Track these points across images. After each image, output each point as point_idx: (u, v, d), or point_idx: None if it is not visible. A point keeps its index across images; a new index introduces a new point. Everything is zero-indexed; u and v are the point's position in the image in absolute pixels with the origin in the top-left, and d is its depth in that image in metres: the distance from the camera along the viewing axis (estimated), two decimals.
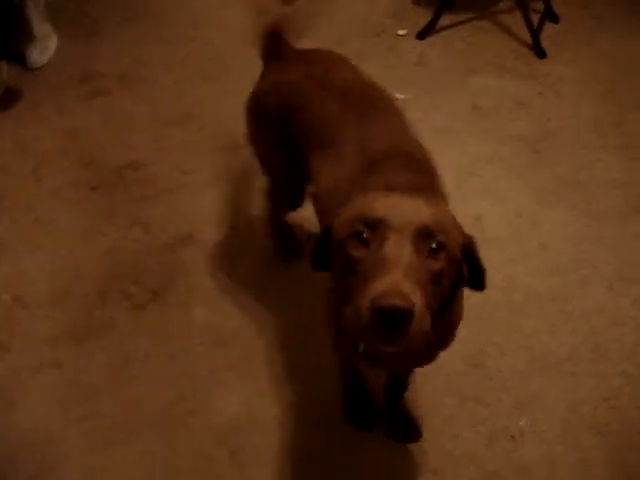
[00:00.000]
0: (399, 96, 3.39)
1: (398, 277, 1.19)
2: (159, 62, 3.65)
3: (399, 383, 2.13)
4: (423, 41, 3.75)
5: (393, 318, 1.15)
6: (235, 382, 2.36)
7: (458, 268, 1.39)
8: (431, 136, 3.15)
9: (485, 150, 3.10)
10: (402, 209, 1.30)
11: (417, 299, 1.19)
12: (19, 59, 3.63)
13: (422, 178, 1.69)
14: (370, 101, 1.95)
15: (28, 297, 2.63)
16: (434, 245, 1.28)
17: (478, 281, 1.48)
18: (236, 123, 3.27)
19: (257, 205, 2.90)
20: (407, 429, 2.19)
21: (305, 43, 3.35)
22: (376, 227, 1.28)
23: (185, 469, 2.17)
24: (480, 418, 2.25)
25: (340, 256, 1.34)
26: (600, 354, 2.41)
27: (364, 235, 1.29)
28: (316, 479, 2.14)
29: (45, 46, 3.70)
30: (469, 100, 3.38)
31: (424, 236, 1.27)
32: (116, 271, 2.70)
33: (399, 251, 1.23)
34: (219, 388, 2.35)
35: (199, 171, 3.08)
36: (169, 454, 2.20)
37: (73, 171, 3.11)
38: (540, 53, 3.62)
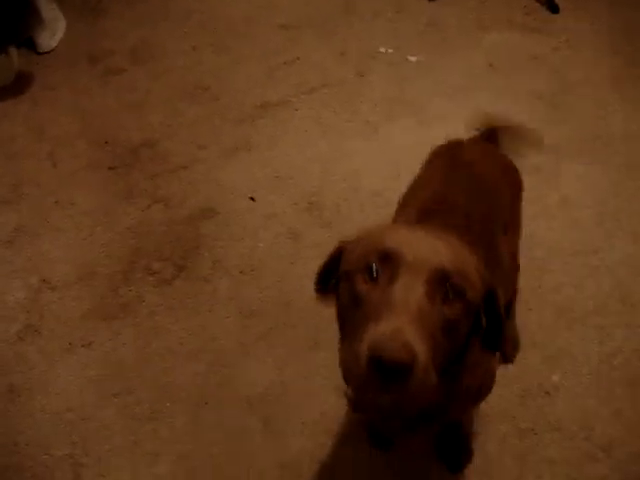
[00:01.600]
0: (411, 58, 3.37)
1: (403, 322, 1.06)
2: (169, 37, 3.63)
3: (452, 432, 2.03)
4: (433, 1, 3.70)
5: (390, 370, 1.02)
6: (265, 352, 2.37)
7: (476, 318, 1.25)
8: (447, 97, 3.17)
9: (502, 107, 3.07)
10: (421, 246, 1.18)
11: (422, 350, 1.06)
12: (29, 44, 3.62)
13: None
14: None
15: (55, 279, 2.65)
16: (450, 290, 1.15)
17: (494, 338, 1.32)
18: (250, 92, 3.29)
19: (274, 174, 2.90)
20: (460, 456, 2.10)
21: (320, 4, 3.32)
22: (388, 261, 1.16)
23: (218, 440, 2.19)
24: (510, 376, 2.25)
25: (346, 286, 1.22)
26: (628, 305, 2.40)
27: (374, 268, 1.17)
28: (349, 445, 2.15)
29: (54, 29, 3.68)
30: (483, 58, 3.34)
31: (440, 279, 1.15)
32: (139, 249, 2.71)
33: (409, 292, 1.11)
34: (249, 359, 2.36)
35: (215, 144, 3.07)
36: (202, 425, 2.22)
37: (89, 152, 3.11)
38: (553, 7, 3.57)
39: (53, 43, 3.67)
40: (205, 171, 2.96)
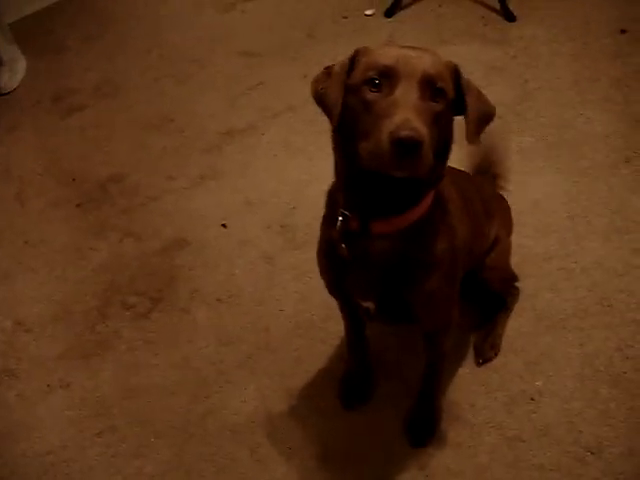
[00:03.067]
0: None
1: (409, 114, 1.36)
2: (130, 71, 3.63)
3: (432, 367, 2.11)
4: (391, 19, 3.74)
5: (408, 146, 1.32)
6: (246, 379, 2.35)
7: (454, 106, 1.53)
8: None
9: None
10: (410, 58, 1.45)
11: (425, 133, 1.36)
12: None
13: None
14: None
15: (29, 321, 2.62)
16: (435, 90, 1.44)
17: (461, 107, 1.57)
18: (215, 120, 3.29)
19: (245, 200, 2.89)
20: (425, 429, 2.17)
21: (280, 30, 3.34)
22: (387, 75, 1.43)
23: (206, 472, 2.15)
24: (494, 385, 2.25)
25: (355, 98, 1.47)
26: (607, 306, 2.40)
27: (377, 82, 1.43)
28: (339, 469, 2.12)
29: (14, 69, 3.67)
30: None
31: (427, 83, 1.43)
32: (114, 284, 2.69)
33: (408, 95, 1.40)
34: (231, 387, 2.34)
35: (184, 174, 3.06)
36: (189, 458, 2.19)
37: (57, 190, 3.09)
38: (509, 17, 3.61)
39: (14, 84, 3.65)
40: (175, 202, 2.95)
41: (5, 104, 3.57)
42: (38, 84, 3.64)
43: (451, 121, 1.54)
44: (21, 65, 3.72)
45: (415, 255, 1.66)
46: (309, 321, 2.47)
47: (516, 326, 2.38)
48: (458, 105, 1.54)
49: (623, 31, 3.47)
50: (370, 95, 1.44)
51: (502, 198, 2.40)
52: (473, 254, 2.05)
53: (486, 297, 2.38)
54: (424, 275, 1.71)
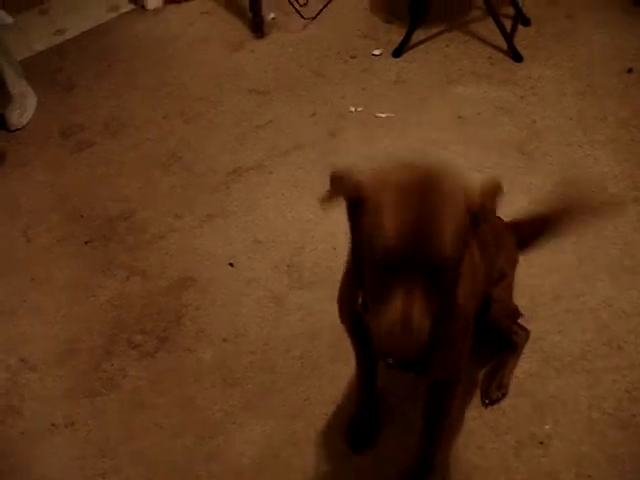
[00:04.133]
0: (381, 115, 3.40)
1: (411, 310, 1.32)
2: (139, 108, 3.65)
3: (433, 423, 2.06)
4: (399, 58, 3.76)
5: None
6: (253, 420, 2.33)
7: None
8: (418, 150, 3.19)
9: (473, 158, 3.10)
10: (423, 242, 1.31)
11: (425, 328, 1.34)
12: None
13: None
14: None
15: (34, 359, 2.60)
16: (445, 278, 1.37)
17: None
18: (223, 158, 3.30)
19: (253, 238, 2.89)
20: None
21: (288, 69, 3.38)
22: (393, 263, 1.33)
23: None
24: (503, 428, 2.23)
25: (365, 252, 1.40)
26: (615, 348, 2.39)
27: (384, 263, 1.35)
28: None
29: (24, 106, 3.69)
30: (452, 111, 3.38)
31: (439, 269, 1.34)
32: (120, 322, 2.68)
33: (412, 288, 1.33)
34: (237, 429, 2.32)
35: (191, 212, 3.06)
36: None
37: (64, 227, 3.09)
38: (516, 57, 3.63)
39: (24, 120, 3.67)
40: (182, 240, 2.95)
41: (15, 140, 3.58)
42: (48, 120, 3.66)
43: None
44: (31, 102, 3.74)
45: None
46: (316, 362, 2.45)
47: (525, 368, 2.37)
48: None
49: (630, 70, 3.49)
50: (375, 263, 1.37)
51: (508, 229, 2.35)
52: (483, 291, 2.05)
53: (493, 337, 2.36)
54: (443, 326, 1.68)
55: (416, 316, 1.32)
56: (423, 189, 1.34)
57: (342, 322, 1.90)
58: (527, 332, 2.42)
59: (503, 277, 2.25)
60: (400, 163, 1.41)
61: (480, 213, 1.41)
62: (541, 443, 2.18)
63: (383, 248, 1.32)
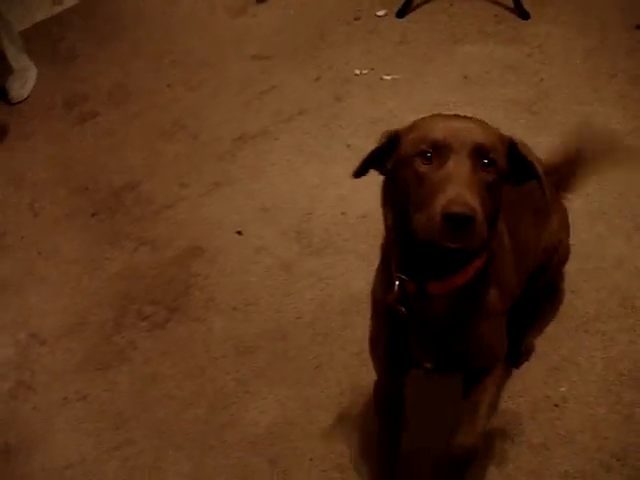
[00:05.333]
0: (387, 78, 3.35)
1: (462, 189, 1.38)
2: (142, 77, 3.61)
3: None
4: (403, 19, 3.70)
5: (460, 222, 1.35)
6: (265, 389, 2.32)
7: (506, 176, 1.55)
8: (426, 112, 3.13)
9: (482, 118, 3.04)
10: (460, 130, 1.46)
11: (478, 206, 1.38)
12: (1, 95, 3.59)
13: None
14: None
15: (44, 333, 2.60)
16: (486, 161, 1.45)
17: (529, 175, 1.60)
18: (228, 126, 3.26)
19: (260, 206, 2.87)
20: None
21: (291, 33, 3.31)
22: (439, 147, 1.44)
23: None
24: (517, 390, 2.21)
25: (408, 170, 1.48)
26: (629, 308, 2.36)
27: (429, 154, 1.45)
28: None
29: (25, 78, 3.66)
30: (458, 71, 3.32)
31: (478, 154, 1.44)
32: (129, 294, 2.67)
33: (460, 168, 1.41)
34: (249, 397, 2.32)
35: (198, 181, 3.04)
36: (209, 471, 2.17)
37: (70, 200, 3.07)
38: (523, 14, 3.56)
39: (25, 92, 3.65)
40: (189, 209, 2.93)
41: (17, 113, 3.56)
42: (50, 92, 3.63)
43: (501, 190, 1.55)
44: (32, 74, 3.71)
45: (470, 307, 1.67)
46: (327, 328, 2.44)
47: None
48: (515, 174, 1.57)
49: (638, 26, 3.42)
50: (422, 168, 1.46)
51: (558, 200, 2.29)
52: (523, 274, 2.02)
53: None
54: (478, 324, 1.71)
55: (468, 195, 1.38)
56: (454, 115, 1.55)
57: (375, 346, 1.87)
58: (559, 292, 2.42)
59: (559, 245, 2.21)
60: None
61: (516, 146, 1.55)
62: (556, 405, 2.16)
63: (431, 139, 1.45)
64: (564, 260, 2.30)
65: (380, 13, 3.76)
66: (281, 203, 2.89)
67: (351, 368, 2.32)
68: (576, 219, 2.62)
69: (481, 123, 1.53)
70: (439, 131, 1.47)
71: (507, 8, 3.63)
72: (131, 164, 3.17)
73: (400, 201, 1.53)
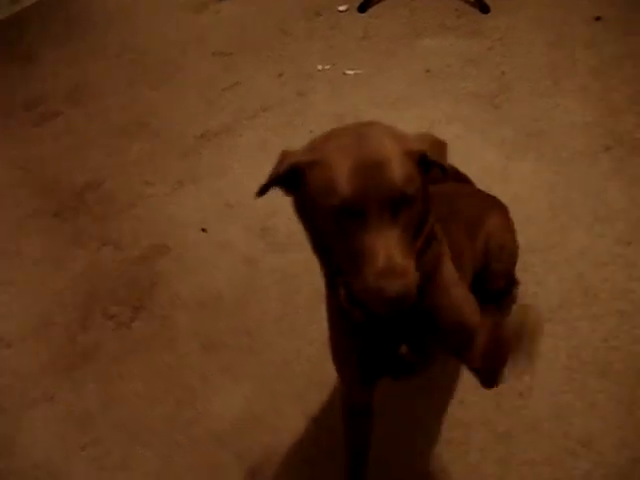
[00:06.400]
0: (349, 73, 3.36)
1: (389, 256, 1.29)
2: (103, 76, 3.59)
3: None
4: (365, 14, 3.71)
5: (395, 300, 1.28)
6: (232, 384, 2.32)
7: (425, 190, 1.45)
8: (388, 106, 3.16)
9: (443, 112, 3.07)
10: (372, 180, 1.32)
11: (411, 267, 1.31)
12: None
13: None
14: None
15: (8, 335, 2.58)
16: (406, 200, 1.33)
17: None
18: (191, 123, 3.25)
19: (224, 203, 2.86)
20: None
21: (253, 29, 3.30)
22: (351, 205, 1.31)
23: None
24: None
25: (321, 218, 1.38)
26: (591, 297, 2.38)
27: (342, 210, 1.32)
28: (326, 472, 2.10)
29: None
30: (420, 65, 3.34)
31: (396, 202, 1.32)
32: (94, 294, 2.65)
33: (380, 228, 1.31)
34: (216, 393, 2.31)
35: (161, 179, 3.02)
36: (175, 467, 2.16)
37: (32, 200, 3.04)
38: (483, 8, 3.59)
39: None
40: (153, 208, 2.92)
41: None
42: (8, 92, 3.59)
43: (426, 195, 1.45)
44: None
45: (425, 287, 1.54)
46: (293, 324, 2.44)
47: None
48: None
49: (598, 18, 3.46)
50: (338, 221, 1.34)
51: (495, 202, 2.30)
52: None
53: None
54: (437, 294, 1.65)
55: (397, 255, 1.30)
56: (358, 136, 1.37)
57: (341, 353, 1.79)
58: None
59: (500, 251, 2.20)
60: (326, 132, 1.43)
61: (424, 154, 1.41)
62: (521, 394, 2.18)
63: (340, 199, 1.31)
64: (509, 265, 2.29)
65: (342, 8, 3.77)
66: (246, 200, 2.88)
67: (318, 363, 2.33)
68: (539, 211, 2.66)
69: (389, 147, 1.36)
70: (348, 186, 1.31)
71: (467, 2, 3.66)
72: (93, 164, 3.15)
73: (321, 242, 1.46)
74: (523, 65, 3.29)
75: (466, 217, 2.06)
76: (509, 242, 2.26)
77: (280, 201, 2.79)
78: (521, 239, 2.56)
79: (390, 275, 1.28)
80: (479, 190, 2.32)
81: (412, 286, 1.30)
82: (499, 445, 2.09)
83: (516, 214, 2.61)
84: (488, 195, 2.30)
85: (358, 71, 3.36)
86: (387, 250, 1.30)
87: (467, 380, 2.22)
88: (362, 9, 3.72)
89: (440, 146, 1.50)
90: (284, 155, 1.48)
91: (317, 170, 1.37)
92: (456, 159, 2.82)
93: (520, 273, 2.47)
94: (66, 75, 3.61)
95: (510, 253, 2.27)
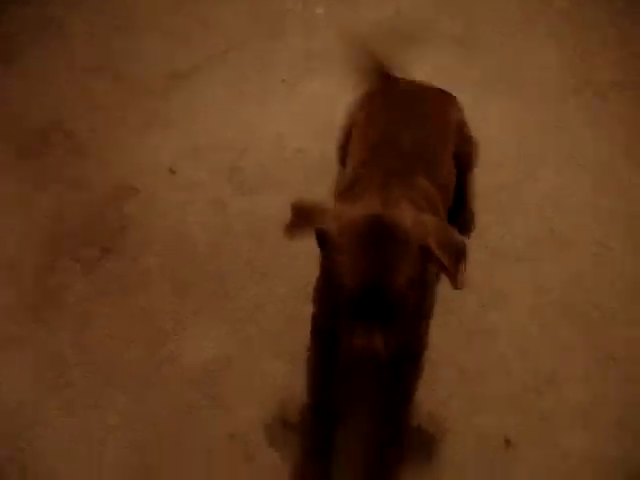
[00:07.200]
0: (319, 11, 3.31)
1: (371, 345, 1.54)
2: (67, 13, 3.46)
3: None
4: None
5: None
6: (205, 327, 2.33)
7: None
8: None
9: (412, 54, 3.03)
10: (379, 282, 1.51)
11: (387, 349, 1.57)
12: None
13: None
14: None
15: None
16: (403, 304, 1.57)
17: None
18: (158, 64, 3.16)
19: (193, 145, 2.83)
20: None
21: None
22: (353, 300, 1.54)
23: (167, 419, 2.16)
24: (453, 320, 2.27)
25: (332, 280, 1.61)
26: (559, 239, 2.43)
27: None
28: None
29: None
30: (390, 5, 3.28)
31: (394, 309, 1.56)
32: (61, 236, 2.61)
33: (372, 330, 1.55)
34: (189, 335, 2.32)
35: (128, 120, 2.96)
36: (149, 408, 2.19)
37: None
38: None
39: None
40: (121, 149, 2.86)
41: None
42: None
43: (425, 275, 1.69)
44: None
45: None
46: (266, 267, 2.45)
47: (470, 259, 2.38)
48: None
49: None
50: (341, 301, 1.58)
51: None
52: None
53: None
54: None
55: (377, 346, 1.53)
56: (378, 237, 1.52)
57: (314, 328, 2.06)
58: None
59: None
60: (361, 205, 1.62)
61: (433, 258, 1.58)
62: (487, 333, 2.23)
63: (343, 290, 1.53)
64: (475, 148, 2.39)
65: None
66: (215, 141, 2.84)
67: (290, 306, 2.34)
68: (508, 153, 2.69)
69: (402, 249, 1.53)
70: (354, 286, 1.52)
71: None
72: (57, 103, 3.06)
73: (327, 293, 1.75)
74: (493, 6, 3.26)
75: (434, 123, 2.20)
76: (469, 131, 2.37)
77: (249, 141, 2.78)
78: (490, 180, 2.59)
79: (366, 359, 1.56)
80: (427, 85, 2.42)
81: (382, 356, 1.56)
82: (467, 383, 2.16)
83: (485, 155, 2.63)
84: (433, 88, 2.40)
85: (328, 10, 3.30)
86: (368, 342, 1.54)
87: (436, 324, 2.25)
88: None
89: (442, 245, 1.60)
90: (310, 209, 1.66)
91: (336, 252, 1.56)
92: None
93: (487, 214, 2.50)
94: (31, 12, 3.47)
95: (474, 142, 2.38)
